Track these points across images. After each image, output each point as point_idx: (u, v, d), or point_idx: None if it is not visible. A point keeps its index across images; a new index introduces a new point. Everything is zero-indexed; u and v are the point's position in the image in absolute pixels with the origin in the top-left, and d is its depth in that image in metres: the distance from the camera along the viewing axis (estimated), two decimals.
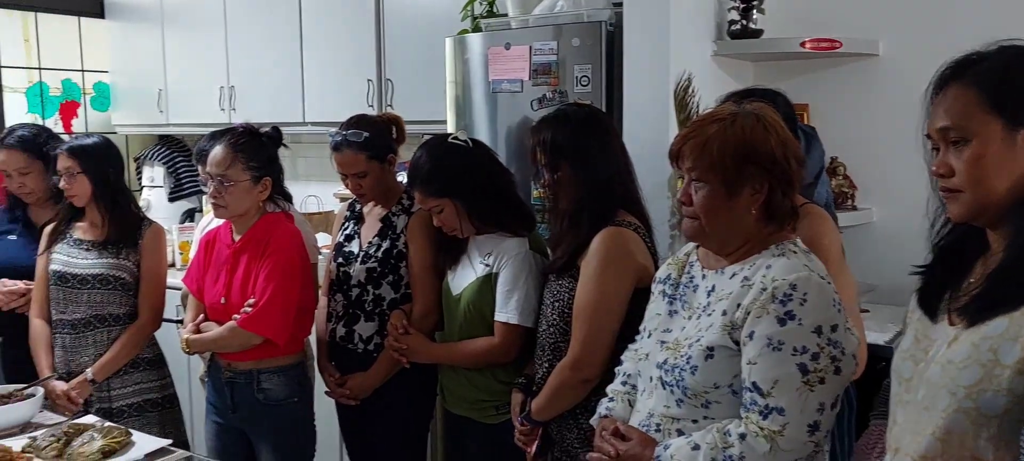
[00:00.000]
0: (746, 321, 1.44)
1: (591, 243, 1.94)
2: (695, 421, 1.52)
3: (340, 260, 2.51)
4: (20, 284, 2.66)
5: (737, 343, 1.46)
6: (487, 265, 2.20)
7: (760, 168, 1.49)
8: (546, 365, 2.04)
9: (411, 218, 2.43)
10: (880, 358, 1.92)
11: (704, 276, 1.60)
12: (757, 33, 2.75)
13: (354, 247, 2.51)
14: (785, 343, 1.41)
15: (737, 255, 1.55)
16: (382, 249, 2.44)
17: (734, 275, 1.52)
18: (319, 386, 2.60)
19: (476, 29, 2.93)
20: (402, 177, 2.56)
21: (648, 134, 2.48)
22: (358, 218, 2.56)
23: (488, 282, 2.19)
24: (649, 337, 1.66)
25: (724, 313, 1.48)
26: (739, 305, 1.46)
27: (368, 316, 2.45)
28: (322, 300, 2.58)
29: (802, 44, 2.73)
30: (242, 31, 3.94)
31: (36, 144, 2.72)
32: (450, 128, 2.88)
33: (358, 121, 2.44)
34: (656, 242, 2.07)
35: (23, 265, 2.67)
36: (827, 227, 1.96)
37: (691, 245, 1.68)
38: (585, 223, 1.97)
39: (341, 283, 2.49)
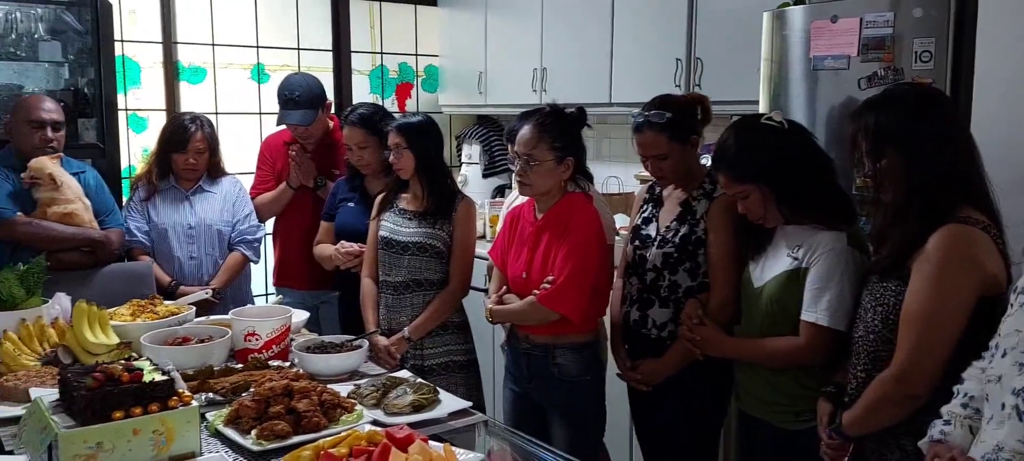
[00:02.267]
0: None
1: (928, 242, 1.68)
2: None
3: (637, 243, 2.47)
4: (355, 246, 2.98)
5: None
6: (795, 258, 2.02)
7: None
8: (862, 375, 1.83)
9: (713, 203, 2.31)
10: None
11: None
12: None
13: (651, 230, 2.44)
14: None
15: None
16: (680, 234, 2.35)
17: None
18: (611, 366, 2.59)
19: (798, 2, 2.70)
20: (706, 159, 2.45)
21: (1004, 120, 2.11)
22: (657, 201, 2.49)
23: (796, 277, 2.01)
24: (1004, 357, 1.41)
25: None
26: None
27: (663, 302, 2.38)
28: (617, 282, 2.56)
29: None
30: (557, 14, 4.05)
31: (372, 121, 3.02)
32: (762, 108, 2.70)
33: (661, 102, 2.37)
34: (1007, 245, 1.74)
35: (359, 230, 2.99)
36: None
37: None
38: (913, 219, 1.73)
39: (637, 266, 2.45)
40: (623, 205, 3.78)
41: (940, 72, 2.27)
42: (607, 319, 2.60)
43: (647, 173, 2.49)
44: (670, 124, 2.31)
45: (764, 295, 2.09)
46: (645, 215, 2.50)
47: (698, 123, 2.39)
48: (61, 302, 2.48)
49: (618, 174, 4.11)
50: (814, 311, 1.97)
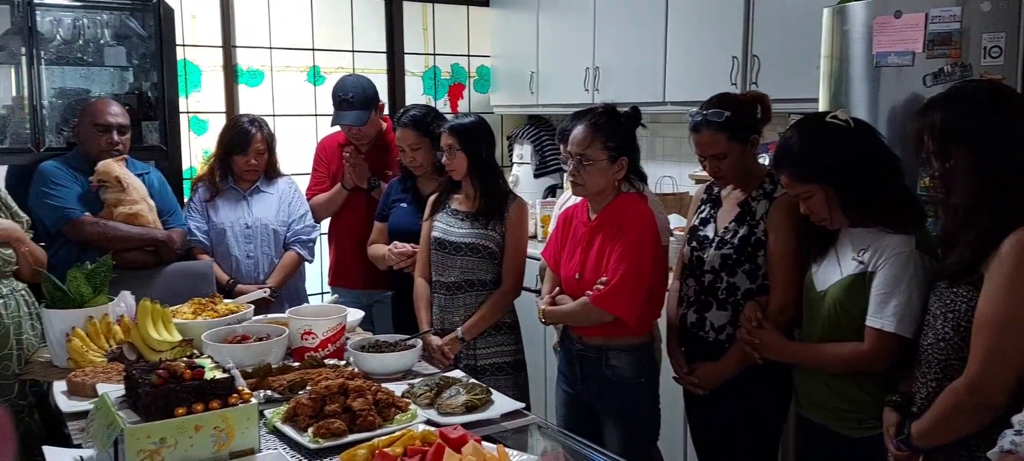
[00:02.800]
0: None
1: (1002, 245, 1.62)
2: None
3: (694, 244, 2.43)
4: (408, 247, 3.00)
5: None
6: (861, 262, 1.96)
7: None
8: (933, 384, 1.76)
9: (773, 203, 2.27)
10: None
11: None
12: None
13: (709, 231, 2.41)
14: None
15: None
16: (739, 235, 2.31)
17: None
18: (665, 369, 2.56)
19: None
20: (764, 159, 2.40)
21: None
22: (715, 201, 2.45)
23: (861, 281, 1.95)
24: None
25: None
26: None
27: (721, 304, 2.34)
28: (674, 283, 2.53)
29: None
30: (609, 12, 4.02)
31: (424, 123, 3.04)
32: (822, 106, 2.63)
33: (720, 100, 2.33)
34: None
35: (411, 230, 3.01)
36: None
37: None
38: (984, 221, 1.66)
39: (694, 268, 2.41)
40: (677, 205, 3.74)
41: (1010, 67, 2.18)
42: (662, 321, 2.57)
43: (703, 173, 2.45)
44: (729, 123, 2.26)
45: (827, 299, 2.03)
46: (703, 216, 2.46)
47: (758, 122, 2.34)
48: (126, 300, 2.56)
49: (672, 174, 4.07)
50: (880, 317, 1.91)
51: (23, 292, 2.70)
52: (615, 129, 2.40)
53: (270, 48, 4.31)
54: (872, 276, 1.94)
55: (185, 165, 3.90)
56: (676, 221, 3.25)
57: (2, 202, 2.72)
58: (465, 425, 1.86)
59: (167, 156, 3.58)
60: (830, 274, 2.04)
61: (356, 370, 2.31)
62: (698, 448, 2.55)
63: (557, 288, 2.54)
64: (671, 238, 2.64)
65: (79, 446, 1.86)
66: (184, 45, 4.00)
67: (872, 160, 1.98)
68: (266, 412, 1.98)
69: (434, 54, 4.80)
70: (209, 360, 1.89)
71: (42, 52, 3.35)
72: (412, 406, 2.04)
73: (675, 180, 4.05)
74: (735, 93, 2.39)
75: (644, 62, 3.79)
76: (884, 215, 1.95)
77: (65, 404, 2.09)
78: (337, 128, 3.54)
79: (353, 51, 4.54)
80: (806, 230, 2.12)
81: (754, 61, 3.27)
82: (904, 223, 1.94)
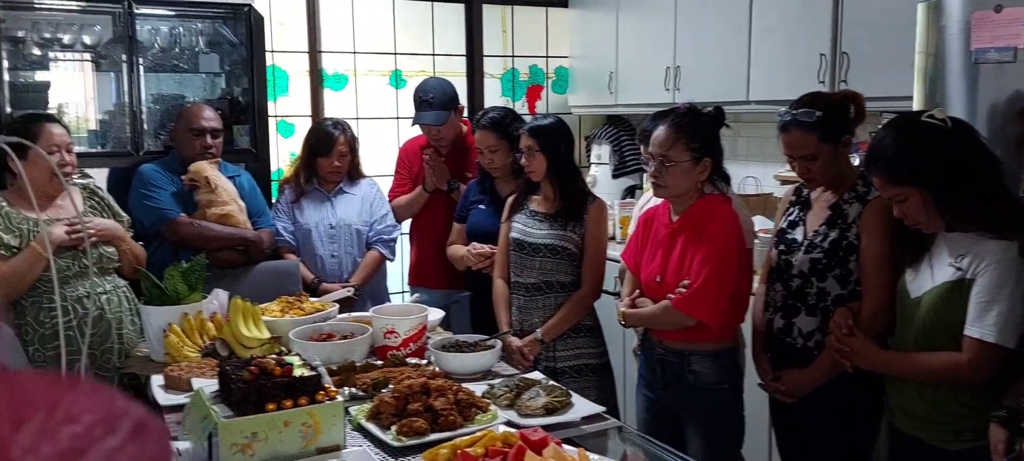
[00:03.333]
0: None
1: None
2: None
3: (782, 247, 2.37)
4: (486, 248, 3.03)
5: None
6: (959, 268, 1.88)
7: None
8: None
9: (866, 207, 2.19)
10: None
11: None
12: None
13: (798, 235, 2.34)
14: None
15: None
16: (829, 239, 2.24)
17: None
18: (750, 373, 2.50)
19: None
20: (855, 159, 2.32)
21: None
22: (804, 204, 2.38)
23: (959, 288, 1.87)
24: None
25: None
26: None
27: (810, 310, 2.27)
28: (759, 288, 2.47)
29: None
30: (691, 10, 3.96)
31: (503, 125, 3.06)
32: (916, 105, 2.53)
33: (811, 99, 2.25)
34: None
35: (490, 231, 3.03)
36: None
37: None
38: None
39: (781, 272, 2.35)
40: (761, 206, 3.65)
41: None
42: (746, 326, 2.51)
43: (788, 173, 2.39)
44: (820, 123, 2.19)
45: (922, 306, 1.95)
46: (791, 218, 2.39)
47: (850, 122, 2.25)
48: (219, 298, 2.65)
49: (755, 174, 3.97)
50: (981, 326, 1.82)
51: (124, 289, 2.83)
52: (698, 129, 2.36)
53: (354, 53, 4.41)
54: (971, 283, 1.85)
55: (272, 167, 4.02)
56: (760, 223, 3.17)
57: (104, 202, 2.87)
58: (545, 427, 1.86)
59: (256, 159, 3.70)
60: (925, 280, 1.96)
61: (437, 369, 2.33)
62: (784, 456, 2.48)
63: (637, 291, 2.52)
64: (755, 240, 2.57)
65: (176, 438, 1.93)
66: (272, 51, 4.12)
67: (971, 161, 1.89)
68: (350, 409, 2.02)
69: (513, 56, 4.82)
70: (297, 357, 1.95)
71: (141, 60, 3.51)
72: (492, 407, 2.05)
73: (758, 181, 3.95)
74: (826, 92, 2.31)
75: (727, 60, 3.71)
76: (984, 219, 1.86)
77: (162, 397, 2.18)
78: (419, 132, 3.60)
79: (433, 54, 4.60)
80: (899, 234, 2.04)
81: (843, 58, 3.16)
82: (1005, 228, 1.84)
